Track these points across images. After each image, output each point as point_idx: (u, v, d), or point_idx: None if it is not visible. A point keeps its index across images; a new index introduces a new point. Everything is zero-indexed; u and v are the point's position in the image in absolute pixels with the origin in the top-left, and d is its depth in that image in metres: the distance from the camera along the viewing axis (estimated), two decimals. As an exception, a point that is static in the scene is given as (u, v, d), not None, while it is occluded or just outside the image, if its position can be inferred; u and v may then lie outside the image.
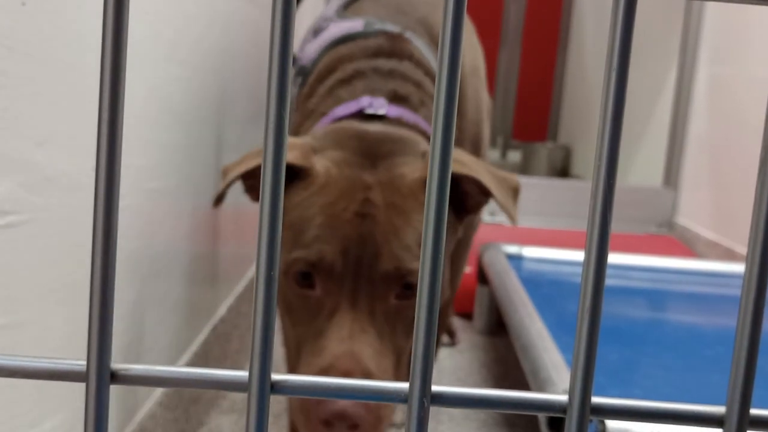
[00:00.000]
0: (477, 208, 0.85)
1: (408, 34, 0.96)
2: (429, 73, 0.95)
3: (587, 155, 3.23)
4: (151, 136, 0.84)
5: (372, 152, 0.81)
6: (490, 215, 2.06)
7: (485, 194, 0.82)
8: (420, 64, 0.94)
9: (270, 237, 0.25)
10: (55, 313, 0.62)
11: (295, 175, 0.78)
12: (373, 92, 0.89)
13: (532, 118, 3.72)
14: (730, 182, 1.87)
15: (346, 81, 0.91)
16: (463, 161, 0.81)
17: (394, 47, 0.94)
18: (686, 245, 2.01)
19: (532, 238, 1.88)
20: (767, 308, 0.26)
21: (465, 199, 0.84)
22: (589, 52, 3.35)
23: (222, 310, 1.28)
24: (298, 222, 0.76)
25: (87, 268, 0.66)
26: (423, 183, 0.78)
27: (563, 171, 3.39)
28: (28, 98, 0.55)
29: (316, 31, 1.02)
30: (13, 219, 0.54)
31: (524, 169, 3.42)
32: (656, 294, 1.45)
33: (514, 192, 0.85)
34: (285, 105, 0.24)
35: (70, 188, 0.63)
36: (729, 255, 1.80)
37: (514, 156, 3.60)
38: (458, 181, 0.80)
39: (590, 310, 0.25)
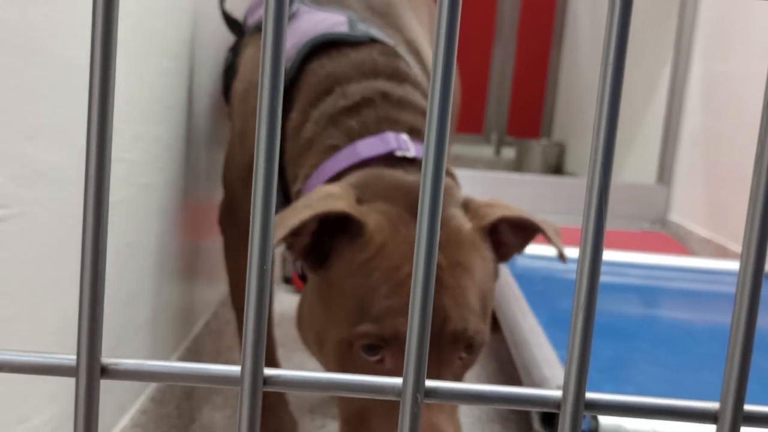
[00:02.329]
0: (510, 255, 0.83)
1: (400, 49, 0.90)
2: (426, 97, 0.89)
3: (581, 152, 3.24)
4: (144, 131, 0.84)
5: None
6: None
7: (524, 239, 0.81)
8: (418, 86, 0.88)
9: (262, 231, 0.25)
10: (46, 308, 0.62)
11: (342, 227, 0.74)
12: (388, 125, 0.83)
13: (527, 115, 3.72)
14: (724, 179, 1.87)
15: (354, 109, 0.85)
16: (506, 206, 0.80)
17: (391, 66, 0.87)
18: (679, 242, 2.02)
19: (525, 234, 1.89)
20: (761, 305, 0.26)
21: (501, 245, 0.81)
22: (584, 49, 3.36)
23: (215, 306, 1.28)
24: (362, 291, 0.72)
25: (77, 262, 0.66)
26: (479, 233, 0.77)
27: (557, 168, 3.40)
28: (18, 91, 0.55)
29: None
30: (3, 212, 0.54)
31: (518, 166, 3.42)
32: (649, 291, 1.45)
33: (557, 233, 0.82)
34: (278, 99, 0.24)
35: (60, 182, 0.62)
36: (722, 252, 1.80)
37: (509, 153, 3.60)
38: (496, 228, 0.79)
39: (585, 306, 0.25)
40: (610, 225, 2.12)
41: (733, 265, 1.56)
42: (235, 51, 1.08)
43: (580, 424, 0.26)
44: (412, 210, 0.75)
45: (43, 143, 0.59)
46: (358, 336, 0.71)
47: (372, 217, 0.73)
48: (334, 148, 0.84)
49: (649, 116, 2.43)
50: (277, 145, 0.25)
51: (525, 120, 3.72)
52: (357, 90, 0.85)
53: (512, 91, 3.68)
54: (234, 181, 0.99)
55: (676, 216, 2.14)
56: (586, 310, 0.25)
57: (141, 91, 0.82)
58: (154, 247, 0.91)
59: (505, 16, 3.62)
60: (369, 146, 0.81)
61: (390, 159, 0.81)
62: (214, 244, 1.24)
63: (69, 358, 0.26)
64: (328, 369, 0.77)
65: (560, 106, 3.66)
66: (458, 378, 0.75)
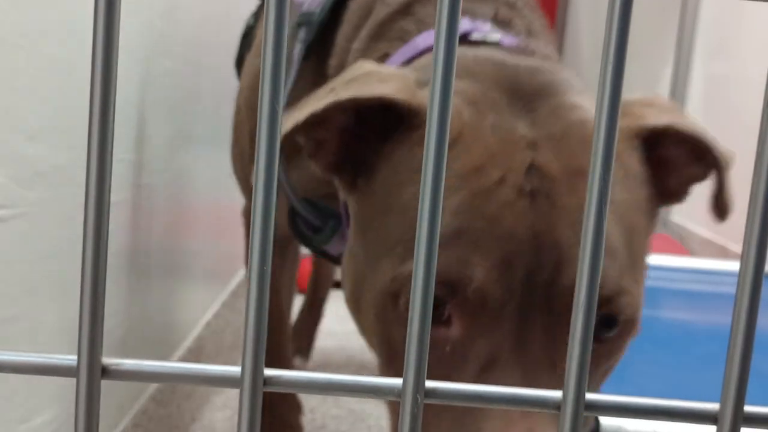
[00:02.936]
0: (684, 190, 0.55)
1: None
2: None
3: (582, 152, 3.23)
4: (144, 131, 0.84)
5: (521, 89, 0.49)
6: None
7: (702, 163, 0.53)
8: None
9: (263, 228, 0.25)
10: (47, 308, 0.62)
11: (397, 125, 0.48)
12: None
13: (527, 115, 3.72)
14: (724, 180, 1.87)
15: (402, 11, 0.62)
16: (662, 106, 0.52)
17: None
18: (680, 243, 2.02)
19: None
20: (761, 305, 0.26)
21: (667, 170, 0.51)
22: (585, 51, 3.36)
23: (216, 306, 1.28)
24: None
25: (78, 263, 0.66)
26: (626, 138, 0.48)
27: (558, 168, 3.40)
28: (19, 91, 0.55)
29: None
30: (4, 213, 0.54)
31: (519, 166, 3.42)
32: (650, 291, 1.45)
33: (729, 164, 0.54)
34: (279, 96, 0.24)
35: (61, 182, 0.62)
36: (722, 253, 1.80)
37: (509, 153, 3.60)
38: (657, 140, 0.50)
39: (586, 306, 0.25)
40: (611, 225, 2.12)
41: (733, 266, 1.56)
42: (257, 16, 0.95)
43: (580, 425, 0.26)
44: (507, 89, 0.49)
45: (44, 144, 0.59)
46: (403, 279, 0.43)
47: None
48: (385, 57, 0.61)
49: (650, 117, 2.43)
50: (277, 142, 0.24)
51: (526, 120, 3.72)
52: None
53: (513, 91, 3.67)
54: (247, 182, 0.86)
55: (677, 216, 2.14)
56: (587, 311, 0.25)
57: (142, 92, 0.82)
58: (155, 248, 0.91)
59: (506, 17, 3.62)
60: (432, 35, 0.58)
61: (465, 44, 0.56)
62: (215, 244, 1.24)
63: (69, 358, 0.26)
64: (370, 343, 0.50)
65: (561, 107, 3.66)
66: (589, 374, 0.40)
